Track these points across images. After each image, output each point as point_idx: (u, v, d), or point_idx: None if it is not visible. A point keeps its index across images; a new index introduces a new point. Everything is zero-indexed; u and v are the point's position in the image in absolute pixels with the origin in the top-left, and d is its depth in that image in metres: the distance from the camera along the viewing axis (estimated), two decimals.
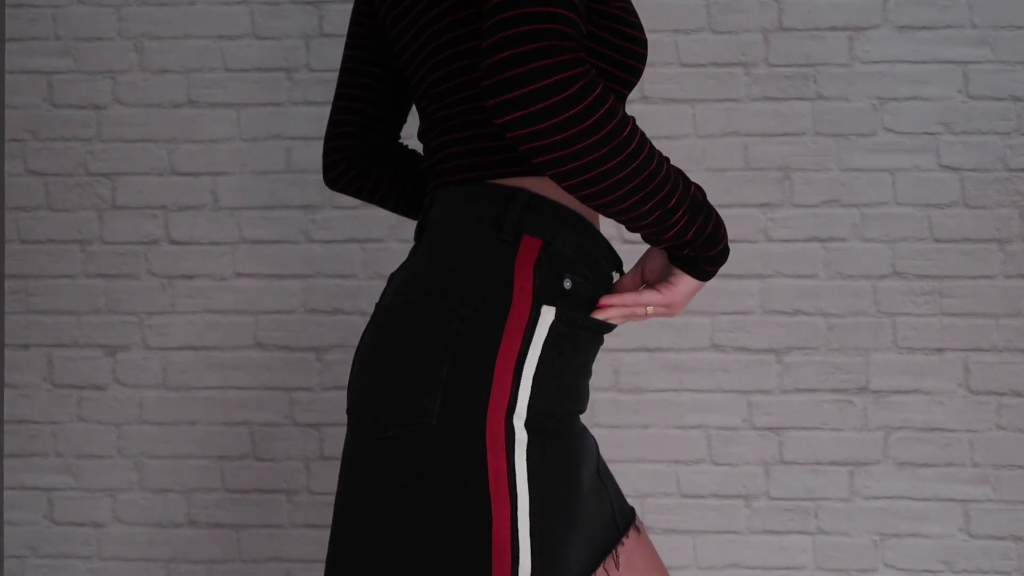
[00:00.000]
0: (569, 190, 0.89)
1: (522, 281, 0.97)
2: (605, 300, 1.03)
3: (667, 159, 0.96)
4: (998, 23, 1.88)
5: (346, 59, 1.25)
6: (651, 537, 1.91)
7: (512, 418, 0.92)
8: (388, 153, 1.29)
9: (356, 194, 1.29)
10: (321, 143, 1.97)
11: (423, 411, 0.92)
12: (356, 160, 1.27)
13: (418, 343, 0.94)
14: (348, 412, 1.01)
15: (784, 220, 1.91)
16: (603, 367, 1.92)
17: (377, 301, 1.28)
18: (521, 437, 0.92)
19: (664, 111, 1.93)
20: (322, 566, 1.96)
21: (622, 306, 1.04)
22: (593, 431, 1.91)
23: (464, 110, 1.05)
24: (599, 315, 1.02)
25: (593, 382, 1.91)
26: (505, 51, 0.83)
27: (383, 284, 1.96)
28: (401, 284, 1.02)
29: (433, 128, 1.09)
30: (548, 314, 0.96)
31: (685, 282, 1.05)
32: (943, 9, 1.89)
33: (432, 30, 1.05)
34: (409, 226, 1.96)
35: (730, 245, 1.90)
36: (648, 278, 1.09)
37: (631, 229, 0.97)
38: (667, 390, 1.92)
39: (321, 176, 1.96)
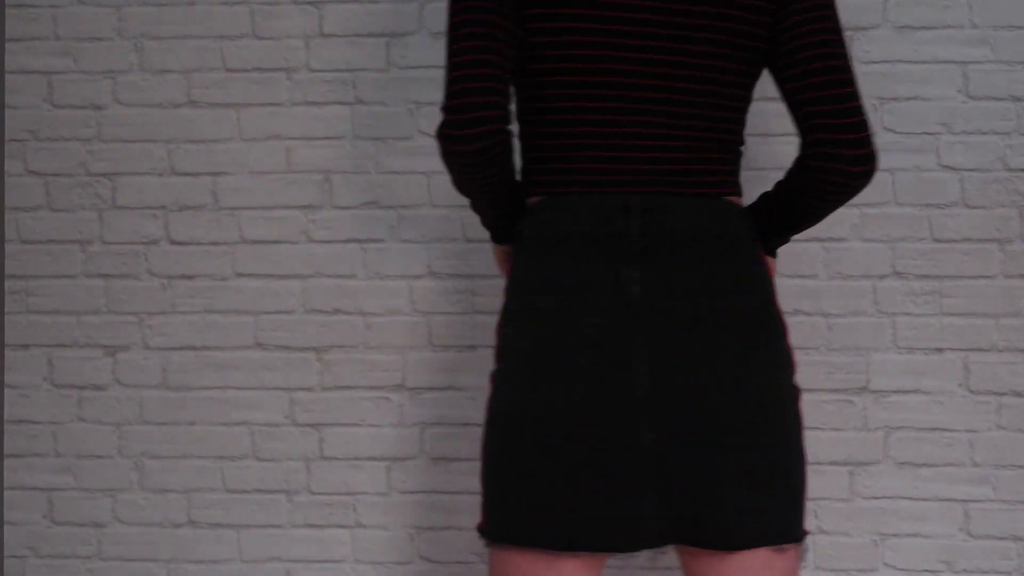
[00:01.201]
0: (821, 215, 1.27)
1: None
2: None
3: None
4: (998, 23, 1.88)
5: (490, 23, 1.14)
6: None
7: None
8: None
9: (494, 163, 1.16)
10: (321, 143, 1.96)
11: (788, 387, 1.21)
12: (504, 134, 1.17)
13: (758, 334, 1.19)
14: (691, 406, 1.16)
15: None
16: None
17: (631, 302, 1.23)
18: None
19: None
20: (322, 566, 1.97)
21: None
22: None
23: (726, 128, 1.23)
24: None
25: None
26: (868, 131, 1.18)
27: (383, 284, 1.96)
28: (706, 286, 1.18)
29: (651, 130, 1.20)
30: None
31: None
32: (943, 9, 1.89)
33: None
34: (409, 226, 1.96)
35: None
36: None
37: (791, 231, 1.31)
38: None
39: (321, 176, 1.96)
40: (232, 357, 1.98)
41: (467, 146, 1.11)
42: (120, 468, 2.00)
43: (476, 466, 1.93)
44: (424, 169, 1.95)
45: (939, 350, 1.89)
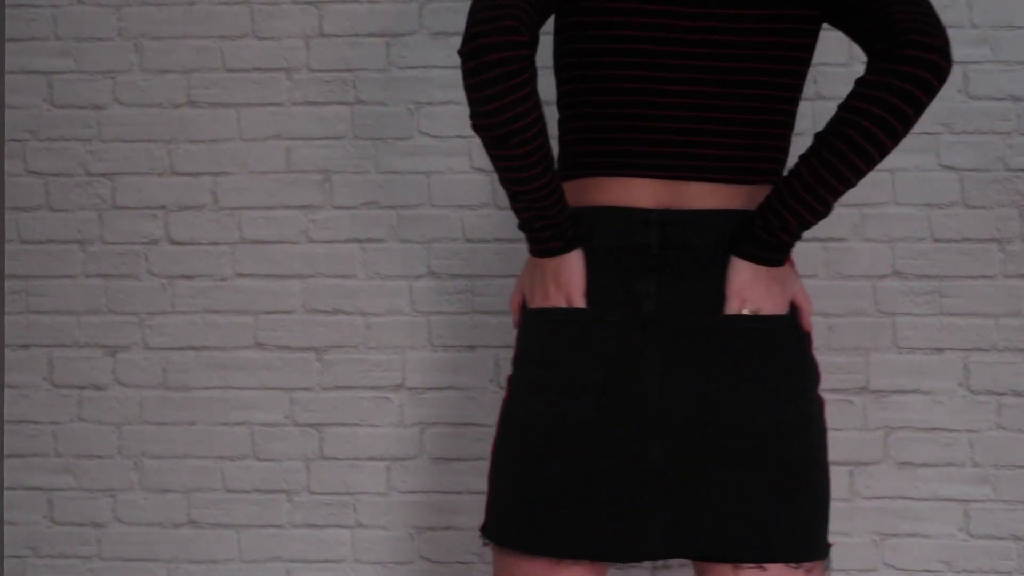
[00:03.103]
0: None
1: None
2: None
3: None
4: (998, 23, 1.88)
5: None
6: None
7: None
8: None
9: (520, 88, 1.08)
10: (321, 143, 1.96)
11: (812, 399, 1.20)
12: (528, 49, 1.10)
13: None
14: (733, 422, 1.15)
15: None
16: None
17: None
18: None
19: None
20: (322, 566, 1.97)
21: None
22: None
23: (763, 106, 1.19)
24: None
25: None
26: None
27: (383, 284, 1.96)
28: (723, 301, 1.18)
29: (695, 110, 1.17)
30: None
31: None
32: (943, 9, 1.89)
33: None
34: (409, 226, 1.96)
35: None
36: None
37: None
38: None
39: (321, 176, 1.96)
40: (232, 357, 1.98)
41: (492, 54, 1.06)
42: (120, 468, 2.00)
43: (476, 466, 1.94)
44: (424, 169, 1.95)
45: (939, 350, 1.89)
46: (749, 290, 1.16)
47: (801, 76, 1.22)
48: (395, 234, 1.96)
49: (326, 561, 1.97)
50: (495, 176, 1.93)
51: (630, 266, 1.17)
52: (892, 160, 1.89)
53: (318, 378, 1.97)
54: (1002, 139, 1.88)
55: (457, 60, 1.93)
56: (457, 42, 1.94)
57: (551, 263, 1.19)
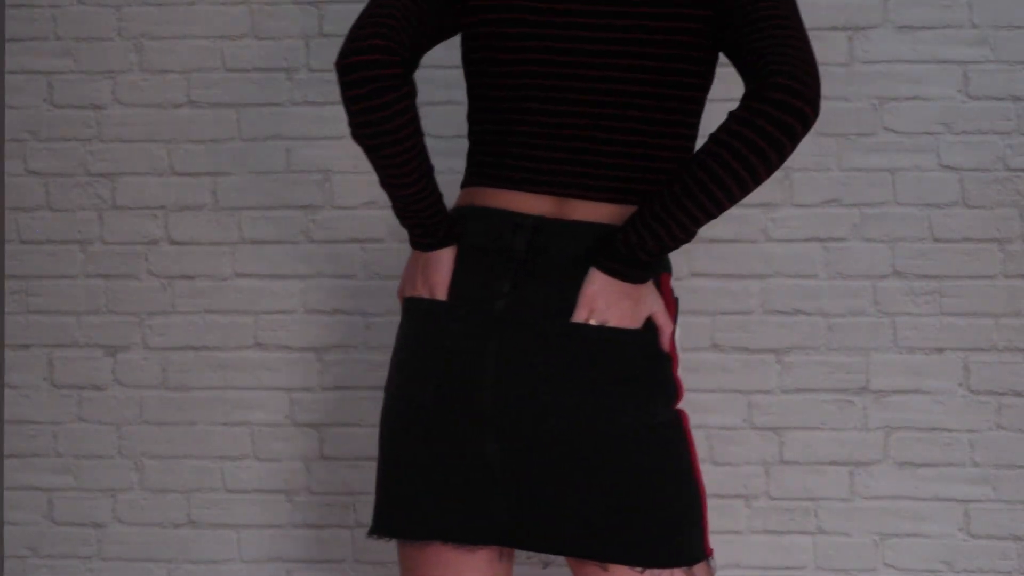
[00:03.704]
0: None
1: None
2: None
3: None
4: (998, 23, 1.88)
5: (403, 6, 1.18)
6: None
7: None
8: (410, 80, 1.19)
9: (390, 105, 1.14)
10: (321, 143, 1.97)
11: (658, 413, 1.22)
12: (395, 66, 1.15)
13: None
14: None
15: (784, 220, 1.91)
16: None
17: None
18: None
19: None
20: (322, 566, 1.97)
21: None
22: None
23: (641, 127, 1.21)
24: None
25: None
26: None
27: (383, 284, 1.96)
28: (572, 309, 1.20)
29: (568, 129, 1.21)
30: None
31: None
32: (943, 9, 1.89)
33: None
34: None
35: (731, 245, 1.91)
36: None
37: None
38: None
39: (321, 176, 1.96)
40: (232, 357, 1.98)
41: (362, 72, 1.12)
42: (120, 468, 2.00)
43: None
44: None
45: (939, 350, 1.89)
46: (599, 301, 1.17)
47: (694, 101, 1.23)
48: (399, 234, 1.96)
49: (326, 561, 1.97)
50: None
51: (493, 266, 1.20)
52: (892, 160, 1.90)
53: (318, 378, 1.97)
54: (1002, 139, 1.88)
55: (457, 59, 1.93)
56: (457, 41, 1.94)
57: (423, 257, 1.25)
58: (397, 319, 1.96)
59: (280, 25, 1.97)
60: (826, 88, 1.88)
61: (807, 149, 1.90)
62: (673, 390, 1.23)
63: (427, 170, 1.23)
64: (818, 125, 1.90)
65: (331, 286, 1.97)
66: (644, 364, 1.19)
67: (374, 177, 1.98)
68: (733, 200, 1.12)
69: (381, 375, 1.95)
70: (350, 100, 1.13)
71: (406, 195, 1.22)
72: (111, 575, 2.00)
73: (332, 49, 1.96)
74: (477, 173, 1.29)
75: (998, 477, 1.88)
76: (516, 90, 1.22)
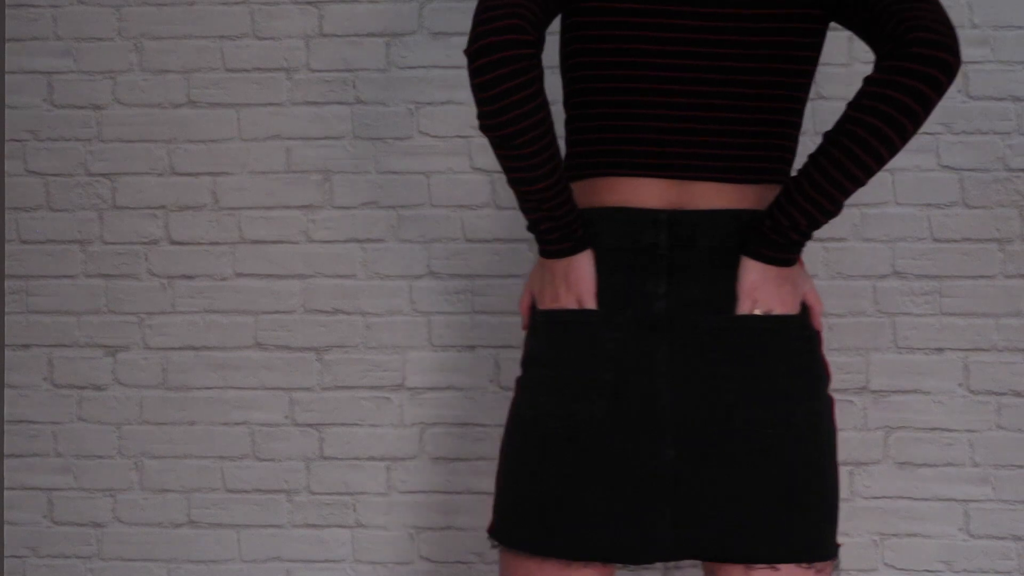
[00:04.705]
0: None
1: None
2: None
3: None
4: (998, 23, 1.88)
5: None
6: None
7: None
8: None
9: (526, 87, 1.07)
10: (321, 143, 1.97)
11: (822, 399, 1.21)
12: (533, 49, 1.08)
13: None
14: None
15: None
16: None
17: None
18: None
19: None
20: (322, 566, 1.97)
21: None
22: None
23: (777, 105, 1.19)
24: None
25: None
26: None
27: (383, 284, 1.96)
28: (732, 301, 1.18)
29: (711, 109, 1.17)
30: None
31: None
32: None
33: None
34: (409, 226, 1.96)
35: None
36: None
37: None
38: None
39: (321, 176, 1.96)
40: (232, 357, 1.98)
41: (497, 53, 1.05)
42: (120, 468, 2.00)
43: (476, 466, 1.94)
44: (424, 169, 1.95)
45: (939, 350, 1.89)
46: (760, 290, 1.15)
47: (807, 76, 1.21)
48: (395, 234, 1.96)
49: (326, 561, 1.97)
50: (495, 176, 1.93)
51: (640, 267, 1.16)
52: (892, 160, 1.89)
53: (318, 378, 1.97)
54: (1002, 139, 1.88)
55: (457, 59, 1.93)
56: (457, 42, 1.94)
57: (560, 264, 1.18)
58: (397, 319, 1.97)
59: (280, 25, 1.97)
60: (826, 88, 1.90)
61: (805, 149, 1.90)
62: (827, 371, 1.21)
63: (560, 161, 1.14)
64: (817, 125, 1.91)
65: (331, 286, 1.97)
66: (807, 349, 1.18)
67: (374, 177, 1.99)
68: (882, 164, 1.10)
69: (381, 375, 1.96)
70: (487, 83, 1.06)
71: (541, 189, 1.13)
72: (111, 575, 2.00)
73: (332, 49, 1.96)
74: (588, 164, 1.22)
75: (998, 477, 1.88)
76: (633, 69, 1.17)
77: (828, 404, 1.20)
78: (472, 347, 1.95)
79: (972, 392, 1.88)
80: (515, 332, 1.92)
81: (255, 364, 1.98)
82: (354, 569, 1.97)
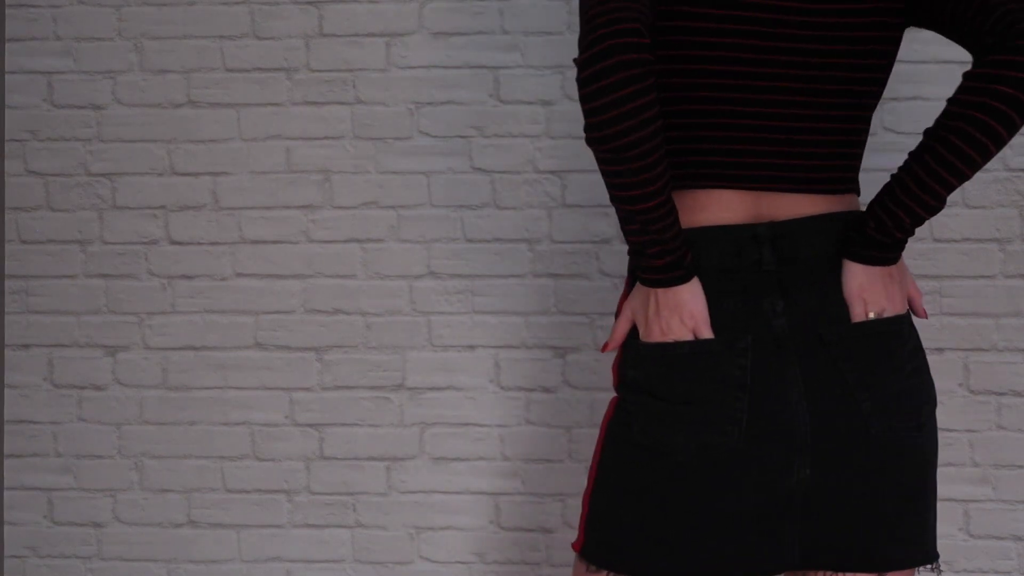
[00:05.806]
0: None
1: None
2: None
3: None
4: None
5: None
6: None
7: None
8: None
9: (644, 94, 1.00)
10: (321, 143, 1.97)
11: (934, 399, 1.21)
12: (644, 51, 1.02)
13: None
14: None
15: None
16: None
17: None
18: None
19: None
20: (322, 566, 1.97)
21: None
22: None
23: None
24: None
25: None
26: None
27: (383, 284, 1.96)
28: (845, 311, 1.16)
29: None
30: None
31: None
32: None
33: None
34: (409, 226, 1.96)
35: None
36: None
37: None
38: None
39: (321, 176, 1.96)
40: (232, 357, 1.98)
41: (614, 58, 0.99)
42: (120, 468, 2.00)
43: (476, 466, 1.94)
44: (424, 169, 1.95)
45: (939, 350, 1.89)
46: (868, 291, 1.14)
47: (882, 84, 1.21)
48: (395, 234, 1.96)
49: (326, 561, 1.97)
50: (495, 176, 1.93)
51: (750, 286, 1.13)
52: (893, 160, 1.89)
53: (318, 378, 1.97)
54: None
55: (457, 59, 1.93)
56: (457, 42, 1.94)
57: (669, 294, 1.12)
58: (397, 319, 1.97)
59: (280, 25, 1.97)
60: None
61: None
62: (927, 364, 1.21)
63: (670, 178, 1.07)
64: None
65: (331, 286, 1.97)
66: (918, 346, 1.18)
67: (374, 177, 1.99)
68: (987, 159, 1.09)
69: (382, 375, 1.96)
70: (599, 92, 0.99)
71: (651, 208, 1.05)
72: (111, 575, 2.00)
73: (332, 49, 1.96)
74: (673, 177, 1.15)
75: (998, 477, 1.88)
76: (715, 88, 1.14)
77: (935, 405, 1.20)
78: (472, 347, 1.95)
79: (972, 392, 1.88)
80: (515, 332, 1.92)
81: (255, 364, 1.98)
82: (354, 569, 1.97)
